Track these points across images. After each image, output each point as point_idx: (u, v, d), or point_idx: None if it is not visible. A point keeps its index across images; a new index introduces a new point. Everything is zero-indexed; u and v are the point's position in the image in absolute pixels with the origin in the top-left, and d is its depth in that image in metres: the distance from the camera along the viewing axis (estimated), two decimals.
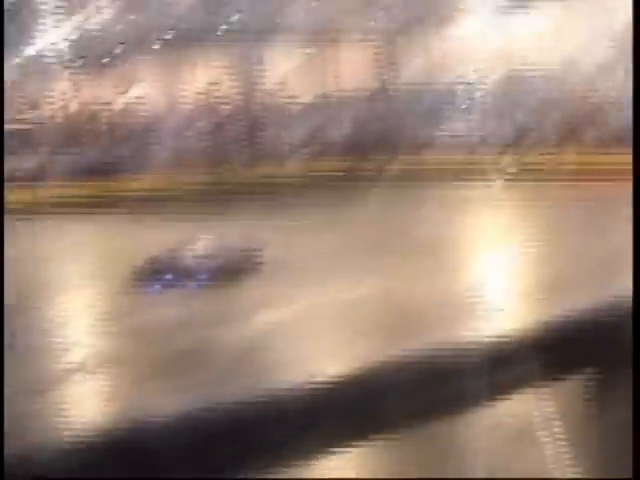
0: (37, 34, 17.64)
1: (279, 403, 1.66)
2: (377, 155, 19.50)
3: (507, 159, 16.42)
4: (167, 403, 1.75)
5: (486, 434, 3.91)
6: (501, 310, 6.25)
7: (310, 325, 6.21)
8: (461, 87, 18.94)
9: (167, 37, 19.21)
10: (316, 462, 1.71)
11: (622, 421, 2.35)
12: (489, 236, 9.91)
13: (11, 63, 16.04)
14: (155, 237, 10.71)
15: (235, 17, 19.07)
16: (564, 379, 2.45)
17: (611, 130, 16.91)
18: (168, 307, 6.94)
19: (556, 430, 3.61)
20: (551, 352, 2.26)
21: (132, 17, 17.46)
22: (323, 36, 19.75)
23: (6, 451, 1.35)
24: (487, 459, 3.80)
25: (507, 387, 2.14)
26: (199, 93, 18.86)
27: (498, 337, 2.22)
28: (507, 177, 14.63)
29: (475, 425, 3.79)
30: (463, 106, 19.31)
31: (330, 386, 1.72)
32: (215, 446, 1.56)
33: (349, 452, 1.86)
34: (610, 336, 2.37)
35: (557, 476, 2.81)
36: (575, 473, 2.74)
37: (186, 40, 19.38)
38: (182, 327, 6.27)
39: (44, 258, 10.07)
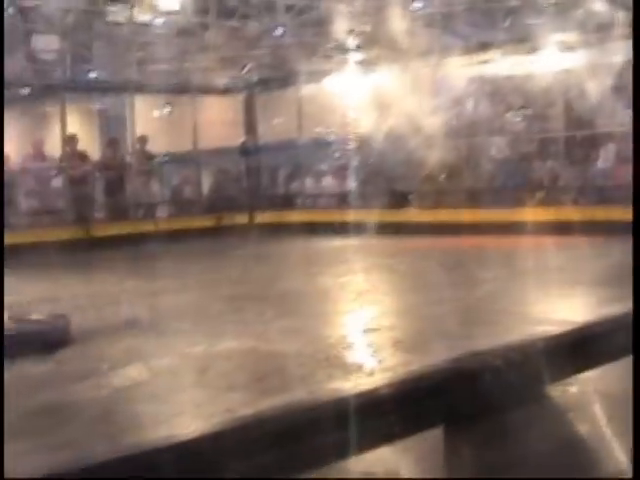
0: None
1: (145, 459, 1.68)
2: (240, 211, 19.65)
3: (371, 214, 16.72)
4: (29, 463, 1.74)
5: None
6: (363, 365, 6.32)
7: (171, 381, 6.16)
8: (327, 143, 19.27)
9: (27, 90, 19.00)
10: None
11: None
12: (353, 290, 10.03)
13: None
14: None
15: (96, 72, 19.01)
16: (422, 432, 2.53)
17: (471, 188, 17.40)
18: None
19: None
20: (410, 406, 2.34)
21: None
22: (185, 92, 19.82)
23: None
24: None
25: (366, 442, 2.19)
26: (60, 147, 18.60)
27: (359, 392, 2.28)
28: (371, 232, 14.93)
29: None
30: (328, 162, 19.67)
31: (189, 443, 1.75)
32: None
33: None
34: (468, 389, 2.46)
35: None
36: None
37: (46, 94, 19.20)
38: (40, 385, 6.14)
39: None
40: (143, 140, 19.61)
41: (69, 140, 18.49)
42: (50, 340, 6.73)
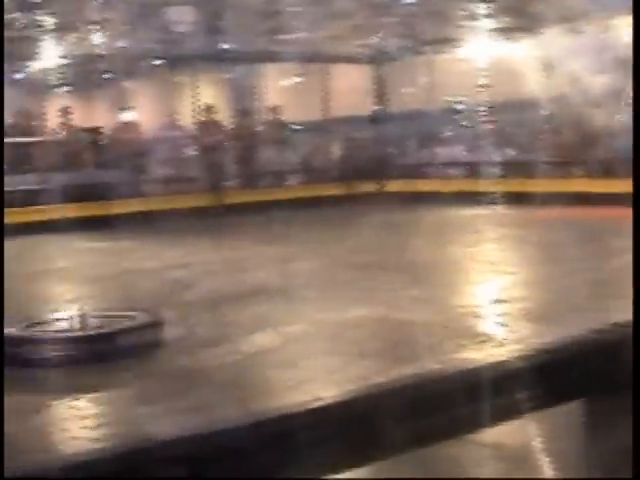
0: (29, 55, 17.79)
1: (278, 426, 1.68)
2: (370, 179, 19.63)
3: (501, 184, 16.49)
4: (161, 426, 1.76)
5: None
6: (493, 335, 6.24)
7: (301, 348, 6.19)
8: (457, 112, 19.09)
9: (159, 62, 19.32)
10: None
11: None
12: (484, 260, 9.91)
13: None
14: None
15: (228, 44, 19.16)
16: (557, 405, 2.47)
17: (609, 156, 16.98)
18: None
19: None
20: (548, 378, 2.28)
21: (125, 41, 17.52)
22: (316, 61, 19.85)
23: None
24: None
25: (498, 414, 2.15)
26: (193, 117, 18.91)
27: (497, 362, 2.23)
28: (502, 202, 14.72)
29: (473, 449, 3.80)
30: (458, 131, 19.46)
31: (328, 409, 1.74)
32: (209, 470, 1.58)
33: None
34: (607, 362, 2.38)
35: None
36: None
37: (179, 65, 19.50)
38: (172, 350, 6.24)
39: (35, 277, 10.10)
40: (275, 110, 19.76)
41: (207, 110, 18.80)
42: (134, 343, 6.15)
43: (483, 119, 18.32)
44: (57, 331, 6.14)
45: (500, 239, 12.33)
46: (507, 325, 6.65)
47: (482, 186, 16.47)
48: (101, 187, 16.64)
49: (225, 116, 19.65)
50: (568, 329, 3.96)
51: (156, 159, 18.11)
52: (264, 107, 20.36)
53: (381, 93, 21.21)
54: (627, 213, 13.33)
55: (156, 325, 6.35)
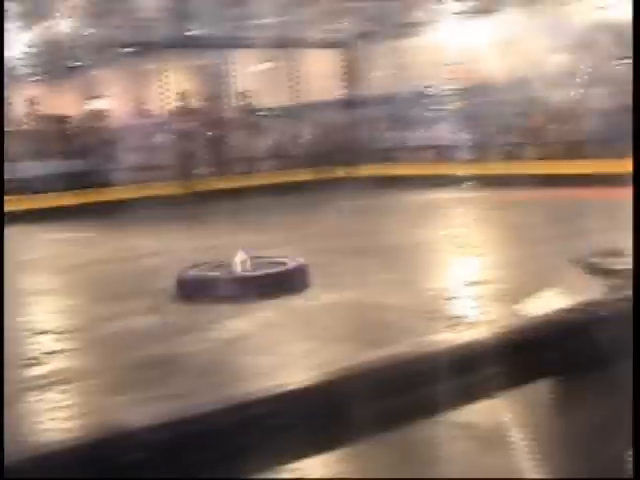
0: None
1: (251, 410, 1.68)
2: (342, 164, 19.64)
3: (472, 167, 16.56)
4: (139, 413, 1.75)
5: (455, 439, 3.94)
6: (467, 317, 6.27)
7: (276, 333, 6.20)
8: (428, 95, 19.10)
9: (131, 47, 19.21)
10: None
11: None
12: (456, 243, 9.93)
13: None
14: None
15: (197, 30, 19.09)
16: (529, 384, 2.48)
17: (574, 137, 17.05)
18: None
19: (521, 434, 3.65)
20: (519, 356, 2.29)
21: (96, 27, 17.42)
22: (286, 46, 19.81)
23: None
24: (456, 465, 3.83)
25: (474, 392, 2.16)
26: (163, 105, 18.84)
27: (468, 342, 2.24)
28: (473, 183, 14.78)
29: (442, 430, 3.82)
30: (429, 114, 19.47)
31: (299, 393, 1.74)
32: (188, 453, 1.58)
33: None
34: (579, 339, 2.40)
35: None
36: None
37: (148, 52, 19.39)
38: (147, 338, 6.24)
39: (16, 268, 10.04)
40: (245, 95, 19.71)
41: (181, 96, 18.74)
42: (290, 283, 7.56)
43: (453, 102, 18.35)
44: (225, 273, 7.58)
45: (472, 221, 12.36)
46: (480, 307, 6.68)
47: (453, 169, 16.53)
48: (70, 176, 16.55)
49: (196, 103, 19.59)
50: (539, 310, 3.99)
51: (126, 147, 18.04)
52: (235, 93, 20.31)
53: (351, 77, 21.20)
54: (594, 194, 13.44)
55: (304, 268, 7.73)
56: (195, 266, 7.99)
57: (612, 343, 2.40)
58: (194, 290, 7.43)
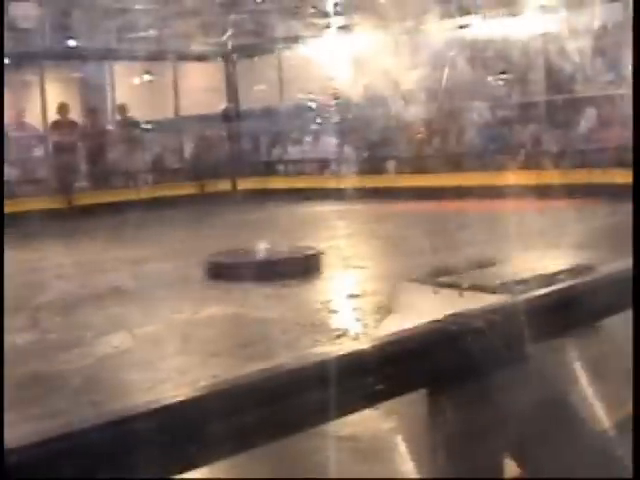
0: None
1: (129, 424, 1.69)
2: (223, 178, 19.62)
3: (354, 180, 16.73)
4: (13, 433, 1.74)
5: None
6: (347, 330, 6.33)
7: (155, 348, 6.17)
8: (309, 108, 19.22)
9: (8, 59, 18.85)
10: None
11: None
12: (337, 255, 10.00)
13: None
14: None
15: (76, 41, 18.84)
16: (404, 395, 2.54)
17: (453, 151, 17.39)
18: None
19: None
20: (392, 369, 2.34)
21: None
22: (165, 59, 19.70)
23: None
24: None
25: (348, 405, 2.20)
26: (41, 117, 18.52)
27: (341, 355, 2.29)
28: (355, 197, 14.93)
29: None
30: (310, 127, 19.61)
31: (175, 407, 1.75)
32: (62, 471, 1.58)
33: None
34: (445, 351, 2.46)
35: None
36: None
37: (25, 63, 19.05)
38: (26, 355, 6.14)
39: None
40: (124, 108, 19.52)
41: (60, 109, 18.44)
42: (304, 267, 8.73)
43: (334, 116, 18.52)
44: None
45: (352, 234, 12.49)
46: (360, 319, 6.75)
47: (335, 182, 16.68)
48: None
49: (75, 115, 19.32)
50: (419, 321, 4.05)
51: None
52: (114, 106, 20.11)
53: (232, 91, 21.20)
54: (473, 206, 13.65)
55: (316, 255, 8.99)
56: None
57: (483, 353, 2.47)
58: None
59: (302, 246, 9.68)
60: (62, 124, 18.43)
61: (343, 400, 2.09)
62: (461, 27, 17.39)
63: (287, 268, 8.60)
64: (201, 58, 20.90)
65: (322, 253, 9.09)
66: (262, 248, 9.06)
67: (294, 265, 8.73)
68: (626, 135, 15.47)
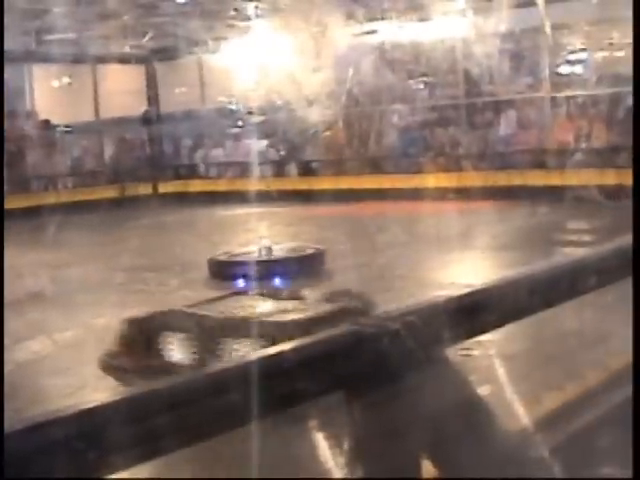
0: None
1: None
2: (144, 181, 19.50)
3: (275, 182, 16.76)
4: None
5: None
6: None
7: (75, 354, 6.13)
8: (229, 111, 19.19)
9: None
10: None
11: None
12: None
13: None
14: None
15: None
16: (323, 397, 2.58)
17: (373, 153, 17.53)
18: None
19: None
20: (308, 371, 2.38)
21: None
22: (85, 62, 19.50)
23: None
24: None
25: (267, 406, 2.23)
26: None
27: (260, 357, 2.32)
28: (275, 200, 14.95)
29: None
30: (230, 130, 19.59)
31: (99, 410, 1.77)
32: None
33: None
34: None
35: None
36: None
37: None
38: None
39: None
40: (43, 111, 19.30)
41: None
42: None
43: (255, 119, 18.51)
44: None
45: (272, 237, 12.49)
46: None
47: (256, 185, 16.68)
48: None
49: None
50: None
51: None
52: (33, 109, 19.87)
53: (153, 93, 21.07)
54: (393, 208, 13.75)
55: (321, 254, 9.16)
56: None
57: (400, 356, 2.52)
58: None
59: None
60: None
61: (259, 403, 2.13)
62: (368, 33, 17.44)
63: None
64: (122, 61, 20.73)
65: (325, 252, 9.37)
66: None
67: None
68: (542, 137, 15.79)
